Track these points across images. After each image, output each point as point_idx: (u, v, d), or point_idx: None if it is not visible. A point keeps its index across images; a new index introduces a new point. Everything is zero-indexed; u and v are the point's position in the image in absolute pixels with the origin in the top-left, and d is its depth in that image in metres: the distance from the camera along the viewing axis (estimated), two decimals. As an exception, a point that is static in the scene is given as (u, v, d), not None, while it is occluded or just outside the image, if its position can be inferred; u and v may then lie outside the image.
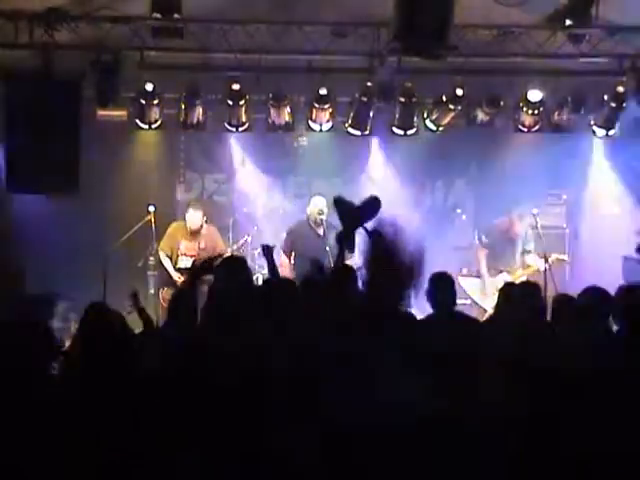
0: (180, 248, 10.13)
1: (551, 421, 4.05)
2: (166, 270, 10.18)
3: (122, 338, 4.05)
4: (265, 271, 8.14)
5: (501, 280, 10.23)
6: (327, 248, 9.29)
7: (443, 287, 6.30)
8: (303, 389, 3.76)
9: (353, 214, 5.47)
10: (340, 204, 5.58)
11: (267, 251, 7.05)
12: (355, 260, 6.26)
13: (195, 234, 10.13)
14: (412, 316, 5.07)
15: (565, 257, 10.42)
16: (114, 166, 11.29)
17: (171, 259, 10.16)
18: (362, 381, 3.74)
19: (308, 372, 3.88)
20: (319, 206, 9.82)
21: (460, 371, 4.17)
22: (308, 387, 3.72)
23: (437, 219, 12.07)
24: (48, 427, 3.63)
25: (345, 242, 5.39)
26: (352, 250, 5.30)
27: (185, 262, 10.01)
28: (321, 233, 9.71)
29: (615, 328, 5.58)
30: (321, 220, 9.73)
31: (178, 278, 9.94)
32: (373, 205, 5.60)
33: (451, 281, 6.40)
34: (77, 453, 3.51)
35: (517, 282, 9.02)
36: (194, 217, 10.16)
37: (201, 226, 10.15)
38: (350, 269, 5.69)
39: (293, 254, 9.87)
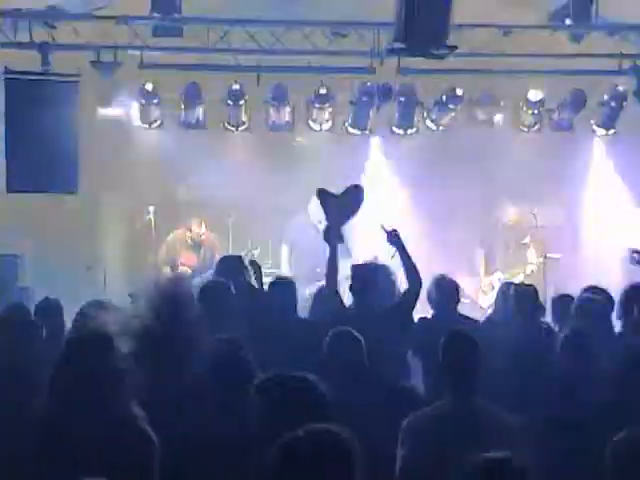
0: (180, 259, 10.10)
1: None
2: None
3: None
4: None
5: (496, 278, 10.27)
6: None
7: (445, 289, 6.32)
8: None
9: (338, 207, 5.54)
10: (324, 197, 5.62)
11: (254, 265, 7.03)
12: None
13: (195, 242, 10.08)
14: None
15: (557, 255, 10.36)
16: (114, 166, 11.28)
17: (172, 270, 10.13)
18: None
19: None
20: None
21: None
22: None
23: (437, 219, 12.06)
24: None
25: (332, 237, 5.44)
26: (342, 241, 5.35)
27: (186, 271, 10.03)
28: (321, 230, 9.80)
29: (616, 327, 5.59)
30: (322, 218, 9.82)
31: None
32: (356, 195, 5.66)
33: (454, 284, 6.40)
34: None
35: (514, 281, 9.05)
36: (197, 228, 10.12)
37: (202, 235, 10.10)
38: None
39: (292, 250, 9.94)
